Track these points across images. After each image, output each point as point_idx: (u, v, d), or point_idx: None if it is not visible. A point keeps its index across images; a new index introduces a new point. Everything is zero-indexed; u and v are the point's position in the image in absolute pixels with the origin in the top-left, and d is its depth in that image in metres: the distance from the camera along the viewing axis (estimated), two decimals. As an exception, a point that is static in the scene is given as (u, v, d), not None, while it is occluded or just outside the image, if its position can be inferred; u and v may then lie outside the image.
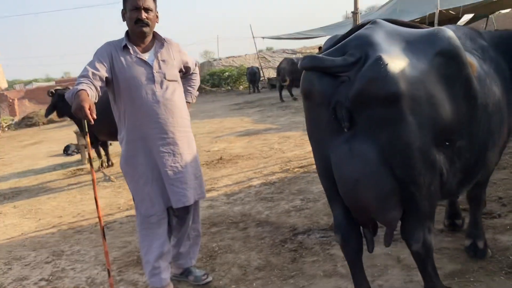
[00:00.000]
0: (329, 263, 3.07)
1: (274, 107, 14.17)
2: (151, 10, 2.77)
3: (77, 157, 9.38)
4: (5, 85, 40.48)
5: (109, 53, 2.75)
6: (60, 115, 7.89)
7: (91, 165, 2.85)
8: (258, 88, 22.00)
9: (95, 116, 2.38)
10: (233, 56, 28.97)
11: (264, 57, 27.47)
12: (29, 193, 6.62)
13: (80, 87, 2.46)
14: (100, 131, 7.17)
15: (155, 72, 2.77)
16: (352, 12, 7.12)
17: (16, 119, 22.05)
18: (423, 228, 2.07)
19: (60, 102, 7.56)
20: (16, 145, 13.54)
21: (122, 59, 2.75)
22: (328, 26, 23.57)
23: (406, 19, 15.74)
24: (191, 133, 3.03)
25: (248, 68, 22.28)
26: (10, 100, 24.47)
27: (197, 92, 3.30)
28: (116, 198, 5.61)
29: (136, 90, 2.74)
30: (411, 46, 1.98)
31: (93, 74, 2.60)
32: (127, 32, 2.83)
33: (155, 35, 2.90)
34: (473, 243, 2.86)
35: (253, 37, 23.47)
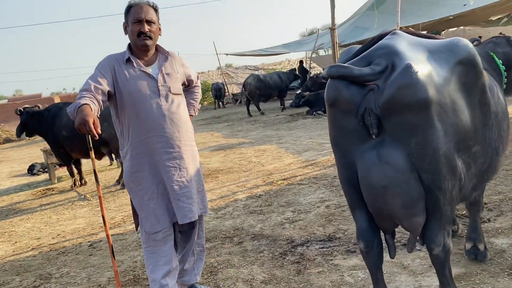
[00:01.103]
0: (335, 274, 3.08)
1: (242, 121, 14.21)
2: (154, 23, 2.73)
3: (44, 176, 9.01)
4: (-46, 104, 38.48)
5: (111, 66, 2.67)
6: (29, 133, 7.58)
7: (97, 181, 2.75)
8: (223, 103, 22.07)
9: (99, 131, 2.30)
10: (197, 73, 28.86)
11: (228, 73, 27.60)
12: (-2, 215, 6.28)
13: (82, 101, 2.37)
14: (73, 148, 6.97)
15: (160, 85, 2.73)
16: (329, 28, 7.29)
17: (-32, 139, 20.92)
18: (444, 232, 2.12)
19: (30, 120, 7.32)
20: (-28, 166, 12.82)
21: (126, 72, 2.68)
22: (289, 43, 24.12)
23: (367, 36, 16.38)
24: (195, 147, 2.99)
25: (213, 84, 22.37)
26: (-39, 120, 23.23)
27: (199, 105, 3.28)
28: (96, 217, 5.41)
29: (141, 104, 2.68)
30: (433, 55, 2.05)
31: (95, 88, 2.51)
32: (129, 45, 2.77)
33: (158, 48, 2.85)
34: (474, 246, 2.96)
35: (217, 54, 23.58)
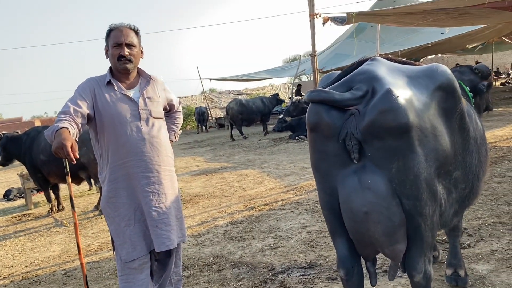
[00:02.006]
0: (317, 302, 3.02)
1: (225, 145, 14.17)
2: (134, 46, 2.71)
3: (20, 202, 8.76)
4: None
5: (91, 89, 2.63)
6: (9, 159, 7.44)
7: (72, 208, 2.67)
8: (206, 127, 22.07)
9: (77, 156, 2.24)
10: (180, 97, 28.83)
11: (211, 98, 27.68)
12: (-31, 242, 6.03)
13: (61, 124, 2.31)
14: (50, 173, 6.82)
15: (140, 109, 2.69)
16: (310, 54, 7.40)
17: None
18: (425, 259, 2.10)
19: (9, 145, 7.20)
20: None
21: (106, 95, 2.64)
22: (272, 69, 24.47)
23: (347, 62, 16.72)
24: (174, 172, 2.94)
25: (196, 108, 22.40)
26: None
27: (180, 131, 3.24)
28: (72, 244, 5.23)
29: (121, 127, 2.63)
30: (413, 81, 2.06)
31: (75, 110, 2.47)
32: (110, 68, 2.74)
33: (140, 72, 2.83)
34: (455, 272, 2.94)
35: (200, 78, 23.70)
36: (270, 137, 14.42)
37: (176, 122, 3.15)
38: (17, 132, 7.68)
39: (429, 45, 13.52)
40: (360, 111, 1.98)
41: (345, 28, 20.43)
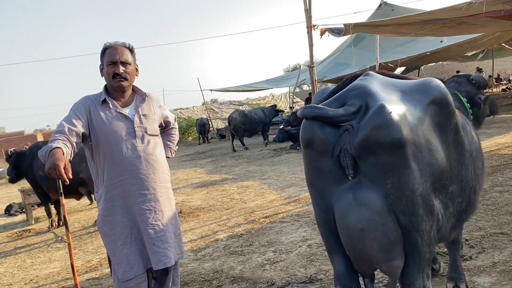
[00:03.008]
0: (317, 318, 2.98)
1: (226, 157, 14.16)
2: (129, 64, 2.72)
3: (21, 217, 8.76)
4: None
5: (86, 107, 2.64)
6: (19, 176, 7.46)
7: (66, 228, 2.66)
8: (208, 138, 22.09)
9: (70, 176, 2.23)
10: (181, 108, 29.02)
11: (212, 109, 27.75)
12: (-31, 260, 6.01)
13: (54, 144, 2.31)
14: (50, 189, 6.83)
15: (136, 126, 2.69)
16: (307, 66, 7.41)
17: None
18: (422, 275, 2.07)
19: (18, 161, 7.24)
20: None
21: (102, 113, 2.64)
22: (273, 79, 24.54)
23: (347, 72, 16.75)
24: (171, 189, 2.93)
25: (197, 119, 22.42)
26: None
27: (176, 147, 3.24)
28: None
29: (116, 145, 2.63)
30: (406, 96, 2.05)
31: (69, 129, 2.47)
32: (105, 86, 2.75)
33: (135, 89, 2.83)
34: (456, 286, 2.91)
35: (201, 90, 23.77)
36: (271, 148, 14.41)
37: (172, 138, 3.14)
38: (26, 148, 7.75)
39: (428, 53, 13.55)
40: (353, 127, 1.97)
41: (345, 37, 20.50)
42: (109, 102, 2.69)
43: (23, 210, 8.67)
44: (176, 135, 3.19)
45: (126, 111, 2.72)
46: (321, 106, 2.07)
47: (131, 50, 2.75)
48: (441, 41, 13.46)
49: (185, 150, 19.51)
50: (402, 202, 1.95)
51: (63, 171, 2.15)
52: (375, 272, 2.29)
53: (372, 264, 2.09)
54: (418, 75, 24.29)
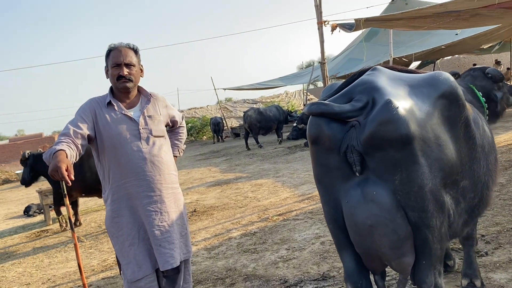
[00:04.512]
0: (329, 315, 2.96)
1: (240, 155, 14.18)
2: (134, 65, 2.73)
3: (39, 218, 8.91)
4: (-45, 145, 38.66)
5: (92, 110, 2.66)
6: (35, 178, 7.58)
7: (72, 229, 2.69)
8: (222, 137, 22.14)
9: (72, 178, 2.25)
10: (195, 108, 29.16)
11: (226, 107, 27.79)
12: (-10, 260, 6.15)
13: (58, 147, 2.34)
14: (71, 188, 6.85)
15: (141, 128, 2.70)
16: (319, 62, 7.37)
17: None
18: (434, 272, 2.04)
19: (37, 163, 7.33)
20: (-31, 208, 12.72)
21: (107, 116, 2.66)
22: (287, 76, 24.44)
23: (360, 67, 16.58)
24: (179, 189, 2.93)
25: (211, 118, 22.48)
26: (-39, 161, 23.27)
27: (184, 146, 3.24)
28: (88, 260, 5.29)
29: (122, 147, 2.64)
30: (414, 90, 2.02)
31: (75, 132, 2.50)
32: (111, 88, 2.77)
33: (141, 90, 2.85)
34: (471, 283, 2.86)
35: (215, 89, 23.84)
36: (285, 145, 14.38)
37: (179, 137, 3.15)
38: (41, 150, 7.87)
39: (443, 46, 13.33)
40: (360, 123, 1.95)
41: (358, 32, 20.33)
42: (114, 104, 2.71)
43: (41, 211, 8.82)
44: (183, 133, 3.20)
45: (131, 112, 2.73)
46: (327, 102, 2.05)
47: (136, 51, 2.76)
48: (457, 34, 13.23)
49: (200, 149, 19.61)
50: (411, 198, 1.92)
51: (65, 172, 2.17)
52: (387, 269, 2.26)
53: (382, 261, 2.07)
54: (433, 69, 23.94)
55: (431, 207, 1.96)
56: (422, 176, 1.91)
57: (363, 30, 13.08)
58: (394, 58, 13.13)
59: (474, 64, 24.84)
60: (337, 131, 1.99)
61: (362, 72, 2.29)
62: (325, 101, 2.08)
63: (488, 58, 28.05)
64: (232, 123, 25.74)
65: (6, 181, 19.19)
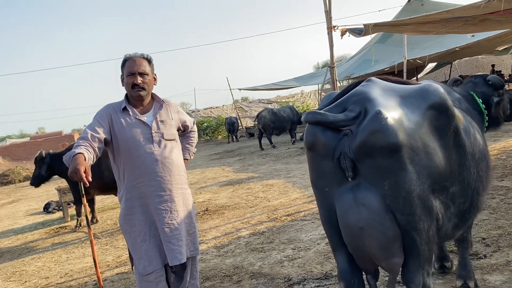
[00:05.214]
0: (329, 312, 3.11)
1: (254, 155, 14.34)
2: (147, 74, 2.92)
3: (58, 214, 9.22)
4: (-23, 142, 39.71)
5: (108, 115, 2.87)
6: (48, 178, 7.73)
7: (88, 226, 2.90)
8: (237, 137, 22.35)
9: (90, 179, 2.45)
10: (211, 107, 29.47)
11: (241, 107, 28.01)
12: (11, 255, 6.43)
13: (77, 150, 2.54)
14: (90, 186, 6.99)
15: (153, 132, 2.89)
16: (328, 66, 7.48)
17: (-9, 177, 21.49)
18: (422, 272, 2.16)
19: (54, 162, 7.49)
20: (-8, 204, 13.18)
21: (122, 120, 2.86)
22: (301, 77, 24.47)
23: (376, 68, 16.56)
24: (188, 190, 3.11)
25: (226, 118, 22.73)
26: (-16, 158, 23.95)
27: (195, 149, 3.43)
28: (104, 256, 5.52)
29: (135, 150, 2.84)
30: (405, 101, 2.15)
31: (92, 136, 2.70)
32: (126, 95, 2.97)
33: (154, 97, 3.04)
34: (465, 284, 2.98)
35: (230, 89, 24.05)
36: (299, 146, 14.49)
37: (190, 141, 3.34)
38: (50, 151, 7.90)
39: (457, 48, 13.27)
40: (352, 132, 2.09)
41: (372, 34, 20.22)
42: (129, 109, 2.91)
43: (60, 207, 9.12)
44: (195, 138, 3.38)
45: (144, 117, 2.93)
46: (323, 111, 2.20)
47: (149, 61, 2.96)
48: (473, 35, 13.14)
49: (215, 148, 19.85)
50: (399, 202, 2.06)
51: (83, 174, 2.38)
52: (382, 271, 2.39)
53: (373, 261, 2.21)
54: (450, 70, 23.70)
55: (419, 211, 2.09)
56: (409, 182, 2.04)
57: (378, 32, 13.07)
58: (408, 60, 13.13)
59: (493, 65, 24.49)
60: (331, 138, 2.13)
61: (358, 83, 2.43)
62: (321, 111, 2.22)
63: (507, 58, 27.66)
64: (247, 123, 25.94)
65: (27, 178, 19.67)
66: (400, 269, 2.23)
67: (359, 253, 2.20)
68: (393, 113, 2.06)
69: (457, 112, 2.47)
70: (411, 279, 2.20)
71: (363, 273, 2.35)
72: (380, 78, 2.44)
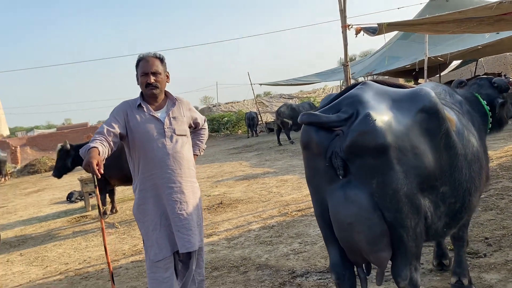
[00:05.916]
0: (328, 304, 3.25)
1: (272, 150, 14.49)
2: (160, 73, 3.10)
3: (80, 204, 9.58)
4: (7, 132, 41.03)
5: (124, 111, 3.07)
6: (74, 166, 7.96)
7: (100, 215, 3.11)
8: (256, 132, 22.51)
9: (102, 171, 2.65)
10: (232, 102, 29.72)
11: (262, 102, 28.15)
12: (35, 241, 6.78)
13: (92, 144, 2.75)
14: (111, 176, 7.13)
15: (166, 127, 3.08)
16: (342, 64, 7.55)
17: (18, 166, 22.29)
18: (410, 267, 2.27)
19: (77, 154, 7.73)
20: (19, 193, 13.71)
21: (137, 116, 3.06)
22: (322, 73, 24.37)
23: (397, 65, 16.41)
24: (197, 183, 3.29)
25: (246, 113, 22.90)
26: (13, 148, 24.81)
27: (205, 146, 3.60)
28: (121, 244, 5.78)
29: (149, 144, 3.03)
30: (396, 104, 2.26)
31: (108, 131, 2.91)
32: (141, 93, 3.16)
33: (168, 95, 3.23)
34: (459, 281, 3.07)
35: (251, 84, 24.19)
36: (317, 142, 14.51)
37: (201, 138, 3.52)
38: (69, 144, 8.00)
39: (479, 47, 13.05)
40: (344, 132, 2.22)
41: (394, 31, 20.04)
42: (144, 106, 3.10)
43: (82, 197, 9.48)
44: (205, 135, 3.55)
45: (158, 114, 3.12)
46: (317, 113, 2.33)
47: (162, 60, 3.13)
48: (497, 33, 12.89)
49: (234, 143, 20.08)
50: (386, 200, 2.18)
51: (96, 167, 2.58)
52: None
53: (362, 254, 2.33)
54: (476, 67, 23.24)
55: (406, 208, 2.21)
56: (397, 181, 2.16)
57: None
58: (429, 58, 13.00)
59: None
60: (324, 138, 2.26)
61: (353, 86, 2.55)
62: (315, 112, 2.36)
63: (536, 56, 26.84)
64: (268, 117, 26.06)
65: (53, 168, 20.38)
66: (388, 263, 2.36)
67: (349, 247, 2.32)
68: (382, 116, 2.17)
69: (450, 115, 2.56)
70: (398, 273, 2.31)
71: (354, 266, 2.48)
72: (375, 82, 2.56)
